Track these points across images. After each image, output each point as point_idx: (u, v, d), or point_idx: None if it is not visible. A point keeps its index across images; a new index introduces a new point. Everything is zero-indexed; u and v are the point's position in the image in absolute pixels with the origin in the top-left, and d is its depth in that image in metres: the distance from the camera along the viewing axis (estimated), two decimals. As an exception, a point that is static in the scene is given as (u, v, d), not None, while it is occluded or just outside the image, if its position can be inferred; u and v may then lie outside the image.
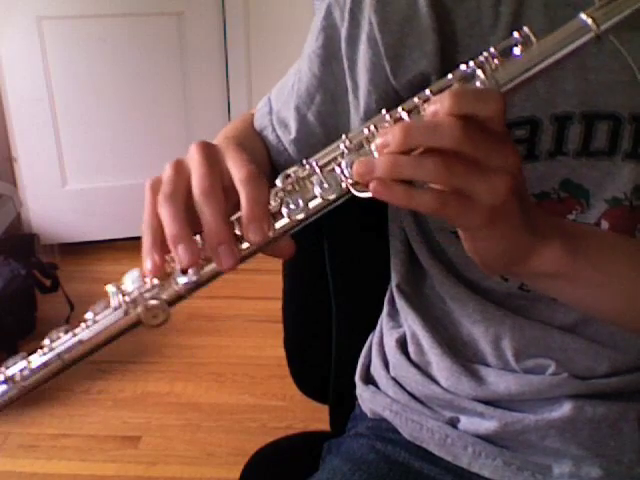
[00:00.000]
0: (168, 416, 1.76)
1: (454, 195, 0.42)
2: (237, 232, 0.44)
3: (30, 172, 2.41)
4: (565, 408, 0.64)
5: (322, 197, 0.44)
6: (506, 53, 0.44)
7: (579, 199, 0.62)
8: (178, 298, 0.45)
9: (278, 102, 0.72)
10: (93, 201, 2.48)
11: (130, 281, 0.45)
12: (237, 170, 0.45)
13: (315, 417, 1.30)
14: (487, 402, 0.67)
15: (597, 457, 0.65)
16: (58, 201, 2.46)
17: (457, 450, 0.68)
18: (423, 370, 0.71)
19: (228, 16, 2.39)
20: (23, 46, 2.25)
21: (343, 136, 0.45)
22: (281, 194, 0.45)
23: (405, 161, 0.41)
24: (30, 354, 0.45)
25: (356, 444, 0.73)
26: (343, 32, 0.62)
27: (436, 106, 0.41)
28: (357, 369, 0.79)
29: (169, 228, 0.44)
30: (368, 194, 0.43)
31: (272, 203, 0.45)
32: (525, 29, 0.44)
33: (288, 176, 0.45)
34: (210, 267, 0.44)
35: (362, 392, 0.77)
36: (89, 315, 0.45)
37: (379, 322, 0.79)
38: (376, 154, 0.43)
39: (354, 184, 0.43)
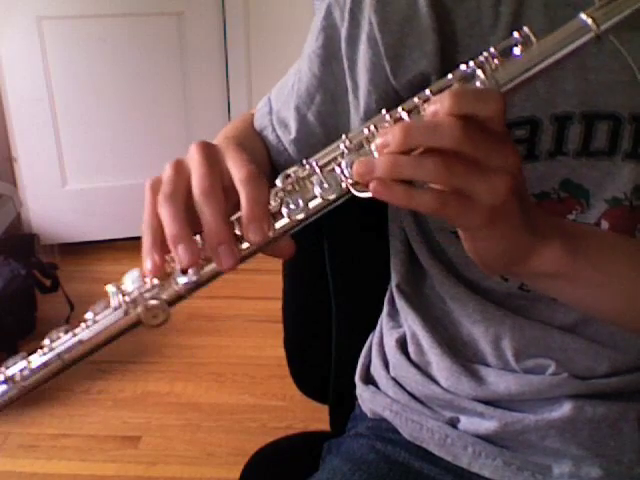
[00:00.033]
0: (168, 416, 1.76)
1: (454, 195, 0.42)
2: (237, 232, 0.44)
3: (30, 172, 2.41)
4: (565, 408, 0.64)
5: (322, 197, 0.44)
6: (506, 53, 0.44)
7: (579, 199, 0.62)
8: (178, 298, 0.45)
9: (278, 102, 0.72)
10: (93, 201, 2.48)
11: (130, 281, 0.45)
12: (237, 170, 0.45)
13: (315, 417, 1.29)
14: (487, 402, 0.67)
15: (597, 457, 0.65)
16: (58, 201, 2.46)
17: (457, 450, 0.68)
18: (423, 370, 0.71)
19: (228, 16, 2.39)
20: (23, 46, 2.25)
21: (343, 136, 0.45)
22: (281, 194, 0.45)
23: (405, 161, 0.41)
24: (30, 354, 0.45)
25: (356, 444, 0.73)
26: (343, 32, 0.62)
27: (436, 106, 0.41)
28: (357, 369, 0.79)
29: (169, 228, 0.44)
30: (368, 194, 0.43)
31: (272, 203, 0.45)
32: (525, 29, 0.44)
33: (288, 176, 0.45)
34: (210, 267, 0.44)
35: (362, 392, 0.77)
36: (89, 315, 0.45)
37: (379, 322, 0.79)
38: (376, 154, 0.43)
39: (354, 184, 0.43)
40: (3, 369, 0.45)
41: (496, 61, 0.43)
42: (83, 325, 0.45)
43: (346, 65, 0.63)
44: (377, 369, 0.76)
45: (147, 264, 0.45)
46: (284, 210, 0.44)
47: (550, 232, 0.48)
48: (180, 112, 2.46)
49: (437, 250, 0.69)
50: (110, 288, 0.45)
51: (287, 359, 0.91)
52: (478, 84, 0.44)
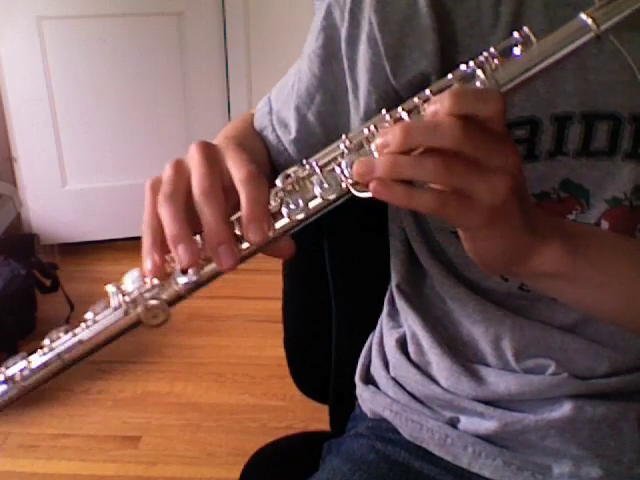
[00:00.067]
0: (168, 416, 1.76)
1: (454, 195, 0.42)
2: (237, 232, 0.44)
3: (30, 172, 2.41)
4: (565, 408, 0.64)
5: (322, 197, 0.44)
6: (506, 53, 0.44)
7: (579, 199, 0.62)
8: (178, 298, 0.45)
9: (278, 102, 0.72)
10: (93, 201, 2.48)
11: (130, 281, 0.45)
12: (237, 170, 0.45)
13: (315, 417, 1.29)
14: (487, 402, 0.67)
15: (597, 457, 0.65)
16: (58, 201, 2.46)
17: (457, 450, 0.68)
18: (423, 370, 0.71)
19: (228, 16, 2.39)
20: (23, 46, 2.25)
21: (343, 136, 0.45)
22: (281, 194, 0.45)
23: (405, 161, 0.41)
24: (30, 354, 0.45)
25: (356, 444, 0.73)
26: (343, 32, 0.62)
27: (436, 106, 0.41)
28: (357, 369, 0.79)
29: (169, 228, 0.44)
30: (368, 194, 0.43)
31: (272, 203, 0.45)
32: (525, 29, 0.44)
33: (288, 176, 0.45)
34: (210, 267, 0.44)
35: (362, 392, 0.77)
36: (89, 315, 0.45)
37: (379, 322, 0.79)
38: (376, 154, 0.43)
39: (354, 184, 0.43)
40: (3, 369, 0.45)
41: (496, 61, 0.43)
42: (83, 325, 0.45)
43: (346, 65, 0.63)
44: (377, 369, 0.76)
45: (147, 264, 0.45)
46: (284, 210, 0.44)
47: (550, 232, 0.48)
48: (180, 112, 2.46)
49: (437, 250, 0.69)
50: (110, 288, 0.45)
51: (287, 359, 0.91)
52: (478, 84, 0.44)
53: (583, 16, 0.43)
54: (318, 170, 0.44)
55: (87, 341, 0.45)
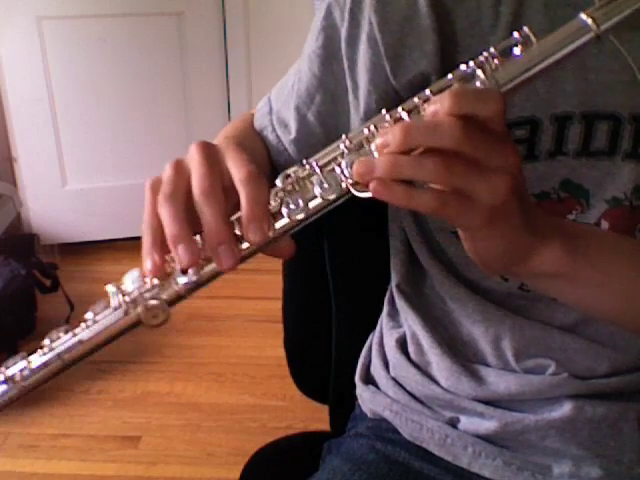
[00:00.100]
0: (168, 416, 1.76)
1: (454, 195, 0.42)
2: (237, 232, 0.44)
3: (30, 172, 2.41)
4: (565, 408, 0.64)
5: (322, 197, 0.44)
6: (506, 53, 0.44)
7: (579, 199, 0.62)
8: (178, 298, 0.45)
9: (278, 102, 0.72)
10: (93, 201, 2.48)
11: (130, 281, 0.45)
12: (237, 170, 0.45)
13: (315, 417, 1.29)
14: (487, 402, 0.67)
15: (597, 457, 0.65)
16: (58, 201, 2.46)
17: (457, 450, 0.68)
18: (423, 370, 0.71)
19: (228, 16, 2.39)
20: (23, 46, 2.25)
21: (343, 136, 0.45)
22: (281, 194, 0.45)
23: (405, 161, 0.41)
24: (30, 354, 0.45)
25: (356, 444, 0.73)
26: (343, 32, 0.62)
27: (436, 106, 0.41)
28: (357, 369, 0.79)
29: (169, 228, 0.44)
30: (368, 194, 0.43)
31: (272, 203, 0.45)
32: (525, 29, 0.44)
33: (288, 176, 0.45)
34: (210, 267, 0.44)
35: (362, 392, 0.77)
36: (89, 315, 0.45)
37: (379, 322, 0.79)
38: (376, 154, 0.43)
39: (354, 184, 0.43)
40: (3, 369, 0.45)
41: (496, 61, 0.43)
42: (83, 325, 0.45)
43: (346, 65, 0.63)
44: (377, 369, 0.76)
45: (147, 264, 0.45)
46: (284, 210, 0.44)
47: (550, 232, 0.48)
48: (180, 112, 2.46)
49: (437, 250, 0.69)
50: (110, 288, 0.45)
51: (287, 359, 0.91)
52: (478, 84, 0.44)
53: (583, 16, 0.43)
54: (318, 170, 0.44)
55: (87, 341, 0.45)
